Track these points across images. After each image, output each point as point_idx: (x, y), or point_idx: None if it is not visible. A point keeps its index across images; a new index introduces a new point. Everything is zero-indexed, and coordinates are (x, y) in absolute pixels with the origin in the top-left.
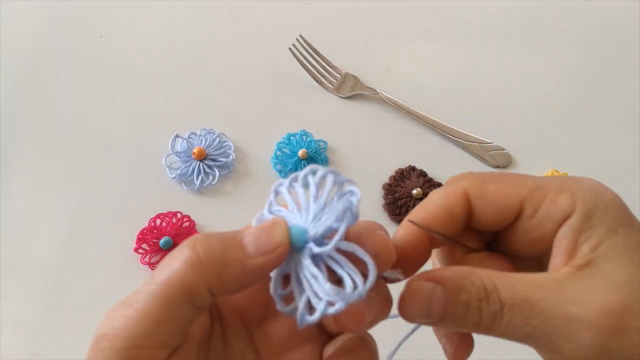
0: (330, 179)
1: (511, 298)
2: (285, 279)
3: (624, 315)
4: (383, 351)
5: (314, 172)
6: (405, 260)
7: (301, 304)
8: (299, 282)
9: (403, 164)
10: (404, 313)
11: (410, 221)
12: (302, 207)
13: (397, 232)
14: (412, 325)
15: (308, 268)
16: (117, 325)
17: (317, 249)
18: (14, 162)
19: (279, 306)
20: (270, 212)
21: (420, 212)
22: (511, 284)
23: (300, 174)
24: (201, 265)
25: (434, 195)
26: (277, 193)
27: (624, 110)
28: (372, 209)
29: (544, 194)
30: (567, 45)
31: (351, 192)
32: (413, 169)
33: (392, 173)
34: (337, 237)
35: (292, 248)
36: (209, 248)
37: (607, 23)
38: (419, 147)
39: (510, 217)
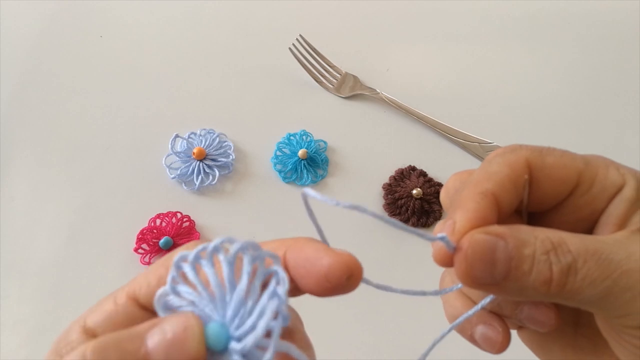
0: (247, 258)
1: (584, 250)
2: None
3: None
4: (416, 353)
5: (224, 245)
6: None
7: None
8: None
9: (403, 164)
10: (463, 273)
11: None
12: (216, 295)
13: (460, 209)
14: (442, 328)
15: None
16: None
17: (243, 349)
18: (14, 162)
19: None
20: (175, 292)
21: (485, 182)
22: (579, 237)
23: (210, 245)
24: None
25: (494, 164)
26: (178, 268)
27: (624, 110)
28: (372, 209)
29: (595, 168)
30: (567, 46)
31: (277, 275)
32: (413, 169)
33: (392, 173)
34: (271, 348)
35: (210, 351)
36: None
37: (607, 23)
38: (419, 147)
39: (567, 192)
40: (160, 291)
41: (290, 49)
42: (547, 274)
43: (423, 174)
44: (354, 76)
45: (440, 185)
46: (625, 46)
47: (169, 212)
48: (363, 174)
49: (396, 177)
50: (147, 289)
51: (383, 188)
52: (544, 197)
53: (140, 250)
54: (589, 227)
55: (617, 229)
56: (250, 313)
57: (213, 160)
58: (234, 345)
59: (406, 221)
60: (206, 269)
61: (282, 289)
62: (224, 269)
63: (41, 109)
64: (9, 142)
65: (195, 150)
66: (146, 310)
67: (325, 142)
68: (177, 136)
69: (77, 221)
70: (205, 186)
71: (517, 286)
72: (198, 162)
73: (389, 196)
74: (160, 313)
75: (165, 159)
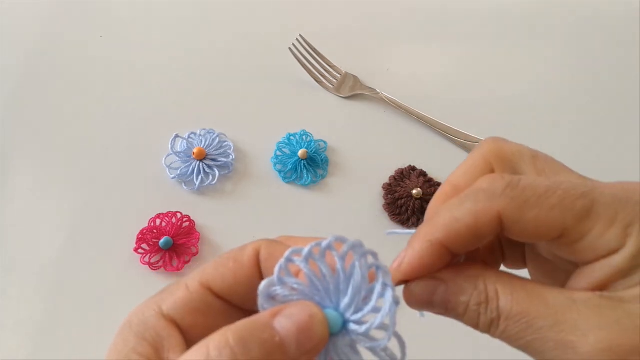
0: (356, 254)
1: (508, 309)
2: None
3: (627, 358)
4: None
5: (331, 247)
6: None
7: None
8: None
9: (403, 164)
10: (409, 302)
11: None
12: (330, 286)
13: (410, 249)
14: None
15: (347, 355)
16: None
17: (354, 336)
18: (14, 162)
19: None
20: (282, 283)
21: (440, 230)
22: (514, 293)
23: (324, 243)
24: None
25: (459, 210)
26: (289, 261)
27: (623, 110)
28: (372, 209)
29: (592, 223)
30: (567, 46)
31: (381, 269)
32: (413, 169)
33: (392, 173)
34: (391, 329)
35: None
36: (250, 353)
37: (607, 23)
38: (419, 147)
39: (546, 240)
40: (265, 282)
41: (290, 49)
42: (475, 321)
43: (423, 174)
44: (354, 76)
45: (440, 185)
46: (625, 46)
47: (169, 212)
48: (363, 174)
49: (396, 177)
50: (222, 281)
51: (383, 188)
52: (518, 241)
53: (140, 250)
54: (575, 267)
55: (593, 289)
56: (363, 300)
57: (213, 160)
58: (355, 328)
59: (406, 221)
60: (319, 262)
61: (389, 280)
62: (338, 263)
63: (41, 109)
64: (9, 142)
65: (195, 150)
66: (220, 299)
67: (325, 142)
68: (177, 136)
69: (77, 221)
70: (205, 186)
71: (454, 318)
72: (198, 162)
73: (389, 196)
74: (264, 303)
75: (165, 159)
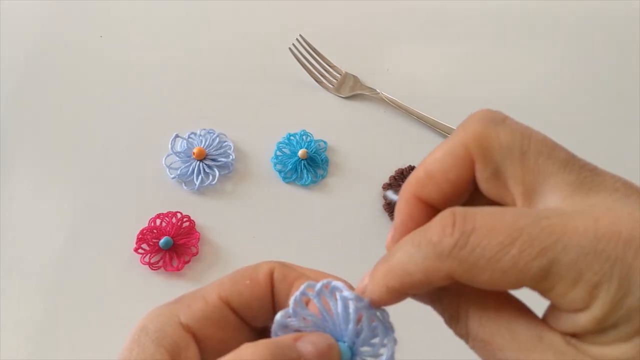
0: (352, 305)
1: (474, 333)
2: None
3: None
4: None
5: (337, 288)
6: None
7: None
8: None
9: (403, 164)
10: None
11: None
12: (336, 321)
13: (370, 284)
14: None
15: None
16: None
17: None
18: (14, 162)
19: None
20: (297, 314)
21: (397, 280)
22: (483, 319)
23: (333, 283)
24: None
25: (411, 264)
26: (303, 295)
27: (624, 110)
28: (372, 209)
29: (551, 285)
30: (568, 46)
31: (384, 316)
32: (413, 168)
33: (392, 173)
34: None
35: None
36: None
37: (608, 23)
38: (419, 147)
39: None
40: (282, 312)
41: (290, 49)
42: (449, 327)
43: None
44: (354, 76)
45: None
46: (625, 46)
47: (169, 212)
48: (363, 174)
49: (396, 177)
50: (239, 296)
51: (383, 188)
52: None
53: (140, 250)
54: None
55: (565, 332)
56: (367, 339)
57: (213, 160)
58: None
59: None
60: (330, 300)
61: (389, 323)
62: (339, 305)
63: (41, 109)
64: (9, 142)
65: (195, 150)
66: (235, 314)
67: (325, 142)
68: (177, 136)
69: (77, 221)
70: (205, 186)
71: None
72: (198, 162)
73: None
74: (278, 331)
75: (165, 159)
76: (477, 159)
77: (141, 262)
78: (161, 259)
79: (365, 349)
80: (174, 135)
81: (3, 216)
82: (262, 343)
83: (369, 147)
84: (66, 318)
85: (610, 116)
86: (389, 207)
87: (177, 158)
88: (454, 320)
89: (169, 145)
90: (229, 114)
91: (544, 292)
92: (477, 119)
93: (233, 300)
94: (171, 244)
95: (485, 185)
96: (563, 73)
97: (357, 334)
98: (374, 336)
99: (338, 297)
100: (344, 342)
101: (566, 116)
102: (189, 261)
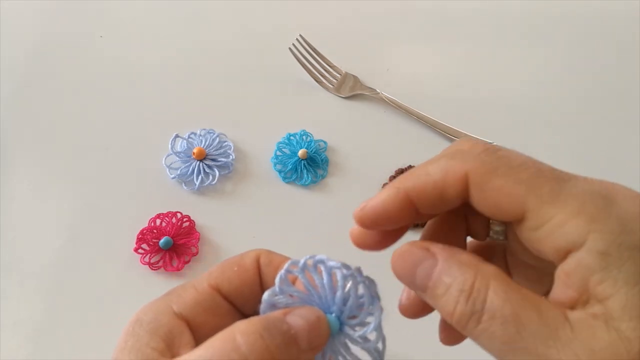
0: (340, 272)
1: (498, 308)
2: None
3: None
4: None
5: (322, 261)
6: (380, 227)
7: None
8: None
9: (403, 164)
10: (394, 270)
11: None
12: (322, 294)
13: (379, 195)
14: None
15: (343, 353)
16: None
17: (349, 338)
18: (14, 162)
19: None
20: (283, 292)
21: (410, 180)
22: (509, 292)
23: (316, 257)
24: None
25: (433, 165)
26: (288, 273)
27: (624, 110)
28: None
29: (555, 211)
30: (568, 45)
31: (371, 285)
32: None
33: (392, 173)
34: (381, 334)
35: None
36: (276, 350)
37: (608, 23)
38: (419, 147)
39: (509, 220)
40: (269, 291)
41: (290, 49)
42: (450, 309)
43: None
44: (354, 76)
45: None
46: (625, 46)
47: (169, 212)
48: (363, 174)
49: (396, 177)
50: (229, 283)
51: (383, 188)
52: (483, 213)
53: (140, 250)
54: (550, 263)
55: (576, 296)
56: (353, 308)
57: (213, 160)
58: (351, 332)
59: None
60: (314, 275)
61: (376, 291)
62: (324, 277)
63: (41, 109)
64: (9, 142)
65: (195, 150)
66: (226, 300)
67: (325, 142)
68: (177, 136)
69: (77, 221)
70: (205, 186)
71: (432, 302)
72: (198, 162)
73: None
74: (267, 310)
75: (165, 159)
76: (473, 189)
77: (141, 262)
78: (161, 259)
79: (352, 320)
80: (174, 135)
81: (3, 216)
82: (254, 318)
83: (369, 147)
84: (66, 318)
85: (610, 116)
86: None
87: (177, 158)
88: (464, 293)
89: (169, 145)
90: (229, 114)
91: (540, 225)
92: (472, 155)
93: (223, 287)
94: (171, 244)
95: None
96: (563, 73)
97: (344, 302)
98: (361, 306)
99: (322, 268)
100: (332, 313)
101: (566, 116)
102: (189, 261)
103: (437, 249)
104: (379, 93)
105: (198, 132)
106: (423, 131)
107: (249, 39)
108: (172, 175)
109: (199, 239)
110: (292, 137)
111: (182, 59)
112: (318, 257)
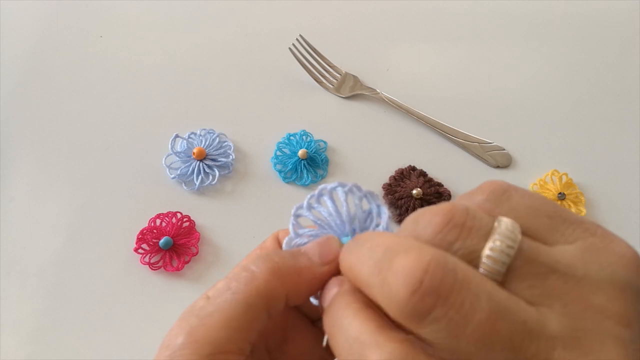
0: (340, 191)
1: None
2: None
3: None
4: None
5: (323, 191)
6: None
7: None
8: None
9: (403, 164)
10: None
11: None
12: (333, 222)
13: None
14: None
15: None
16: (199, 334)
17: None
18: (14, 162)
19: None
20: (298, 235)
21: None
22: None
23: (316, 193)
24: (281, 273)
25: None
26: (297, 217)
27: (624, 110)
28: None
29: None
30: (567, 45)
31: (373, 196)
32: (413, 169)
33: (392, 173)
34: (384, 224)
35: None
36: (283, 258)
37: (608, 23)
38: (419, 147)
39: None
40: (286, 239)
41: (290, 49)
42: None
43: (423, 174)
44: (354, 76)
45: (440, 185)
46: (625, 46)
47: (169, 212)
48: (363, 174)
49: (396, 177)
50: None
51: (383, 188)
52: None
53: (140, 250)
54: None
55: None
56: (362, 221)
57: (213, 160)
58: None
59: None
60: (329, 202)
61: (378, 201)
62: (329, 204)
63: (41, 109)
64: (9, 142)
65: (195, 150)
66: None
67: (325, 142)
68: (177, 136)
69: (77, 221)
70: (205, 186)
71: None
72: (198, 162)
73: (389, 196)
74: None
75: (165, 159)
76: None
77: (141, 262)
78: (161, 259)
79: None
80: (174, 135)
81: (3, 216)
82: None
83: (369, 147)
84: (66, 318)
85: (611, 116)
86: (389, 207)
87: (177, 158)
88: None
89: (169, 145)
90: (229, 114)
91: None
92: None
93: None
94: (171, 244)
95: None
96: (563, 73)
97: (352, 220)
98: (368, 218)
99: (326, 199)
100: (347, 236)
101: (566, 116)
102: (189, 261)
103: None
104: (379, 93)
105: (198, 132)
106: (423, 131)
107: (249, 39)
108: (172, 175)
109: (199, 239)
110: (292, 137)
111: (182, 59)
112: (319, 189)
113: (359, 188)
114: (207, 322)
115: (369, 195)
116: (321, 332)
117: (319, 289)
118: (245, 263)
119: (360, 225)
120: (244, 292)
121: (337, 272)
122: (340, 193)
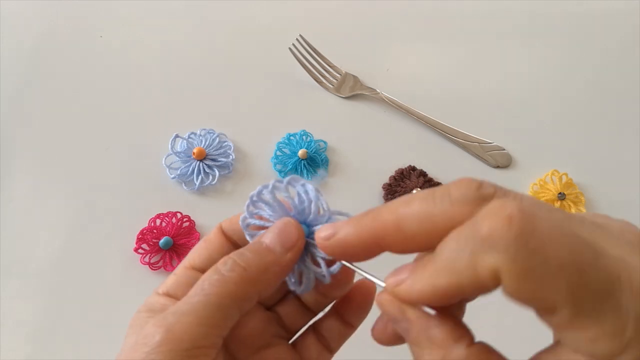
0: (266, 192)
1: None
2: None
3: None
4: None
5: (280, 182)
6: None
7: (310, 280)
8: (305, 265)
9: (403, 164)
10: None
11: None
12: (295, 208)
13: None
14: None
15: (314, 254)
16: (176, 331)
17: (313, 241)
18: (14, 162)
19: (292, 286)
20: (251, 216)
21: (429, 272)
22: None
23: (269, 184)
24: (250, 278)
25: (458, 257)
26: (254, 201)
27: (624, 110)
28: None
29: (589, 323)
30: (567, 46)
31: (292, 180)
32: (413, 169)
33: (392, 173)
34: (327, 216)
35: None
36: (248, 261)
37: (608, 23)
38: (419, 147)
39: (536, 311)
40: (241, 217)
41: (290, 49)
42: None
43: (423, 174)
44: (354, 76)
45: (439, 185)
46: (625, 46)
47: (169, 212)
48: (363, 174)
49: (396, 177)
50: (199, 257)
51: (383, 188)
52: None
53: (140, 250)
54: None
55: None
56: (307, 207)
57: (213, 160)
58: (312, 238)
59: None
60: (284, 193)
61: (309, 185)
62: (300, 192)
63: (41, 109)
64: (9, 142)
65: (195, 150)
66: (204, 272)
67: (325, 142)
68: (177, 136)
69: (77, 221)
70: (205, 186)
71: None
72: (198, 162)
73: (389, 196)
74: (247, 236)
75: (165, 159)
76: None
77: (141, 262)
78: (161, 259)
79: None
80: (174, 135)
81: (3, 216)
82: (240, 251)
83: (369, 147)
84: (66, 318)
85: (610, 116)
86: None
87: (177, 158)
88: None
89: (169, 145)
90: (229, 114)
91: (574, 327)
92: (465, 198)
93: (195, 263)
94: (171, 244)
95: None
96: (563, 73)
97: (301, 206)
98: (304, 200)
99: (267, 195)
100: (305, 224)
101: (566, 116)
102: None
103: (413, 316)
104: (379, 93)
105: (198, 132)
106: (423, 131)
107: (249, 39)
108: (172, 175)
109: (199, 239)
110: (292, 137)
111: (182, 59)
112: (249, 201)
113: (279, 180)
114: (183, 320)
115: (292, 181)
116: (271, 315)
117: (286, 275)
118: (199, 261)
119: (314, 217)
120: (217, 295)
121: (299, 254)
122: (266, 194)
